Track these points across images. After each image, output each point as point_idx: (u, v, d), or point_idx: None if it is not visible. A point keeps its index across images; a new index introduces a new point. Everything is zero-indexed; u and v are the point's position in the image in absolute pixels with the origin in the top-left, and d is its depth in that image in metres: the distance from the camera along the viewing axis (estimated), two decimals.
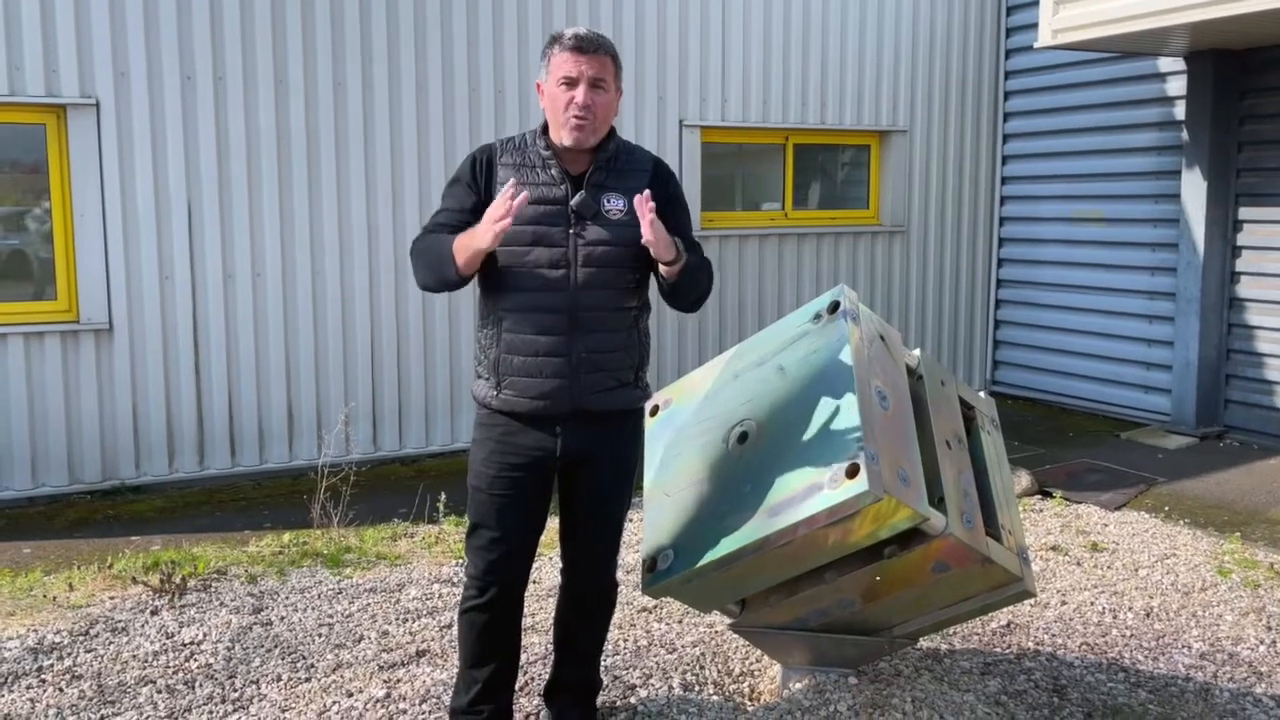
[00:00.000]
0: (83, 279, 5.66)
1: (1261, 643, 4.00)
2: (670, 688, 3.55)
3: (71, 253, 5.66)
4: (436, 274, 2.84)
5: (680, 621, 4.07)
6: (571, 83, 2.77)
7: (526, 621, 3.89)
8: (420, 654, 3.80)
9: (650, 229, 2.70)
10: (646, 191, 2.74)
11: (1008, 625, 4.09)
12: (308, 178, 6.11)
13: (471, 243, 2.73)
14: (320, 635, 3.96)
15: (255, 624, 4.05)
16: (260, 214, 6.01)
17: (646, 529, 2.93)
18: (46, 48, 5.46)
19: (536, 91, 2.92)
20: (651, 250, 2.74)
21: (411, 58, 6.31)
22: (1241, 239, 7.09)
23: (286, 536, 5.08)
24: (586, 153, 2.85)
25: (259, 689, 3.55)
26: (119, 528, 5.36)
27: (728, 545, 2.73)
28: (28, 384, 5.59)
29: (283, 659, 3.76)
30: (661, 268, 2.81)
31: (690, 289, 2.91)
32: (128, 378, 5.79)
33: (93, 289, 5.67)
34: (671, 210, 2.93)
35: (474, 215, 2.84)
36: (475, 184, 2.87)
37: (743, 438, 2.91)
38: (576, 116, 2.77)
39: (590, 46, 2.78)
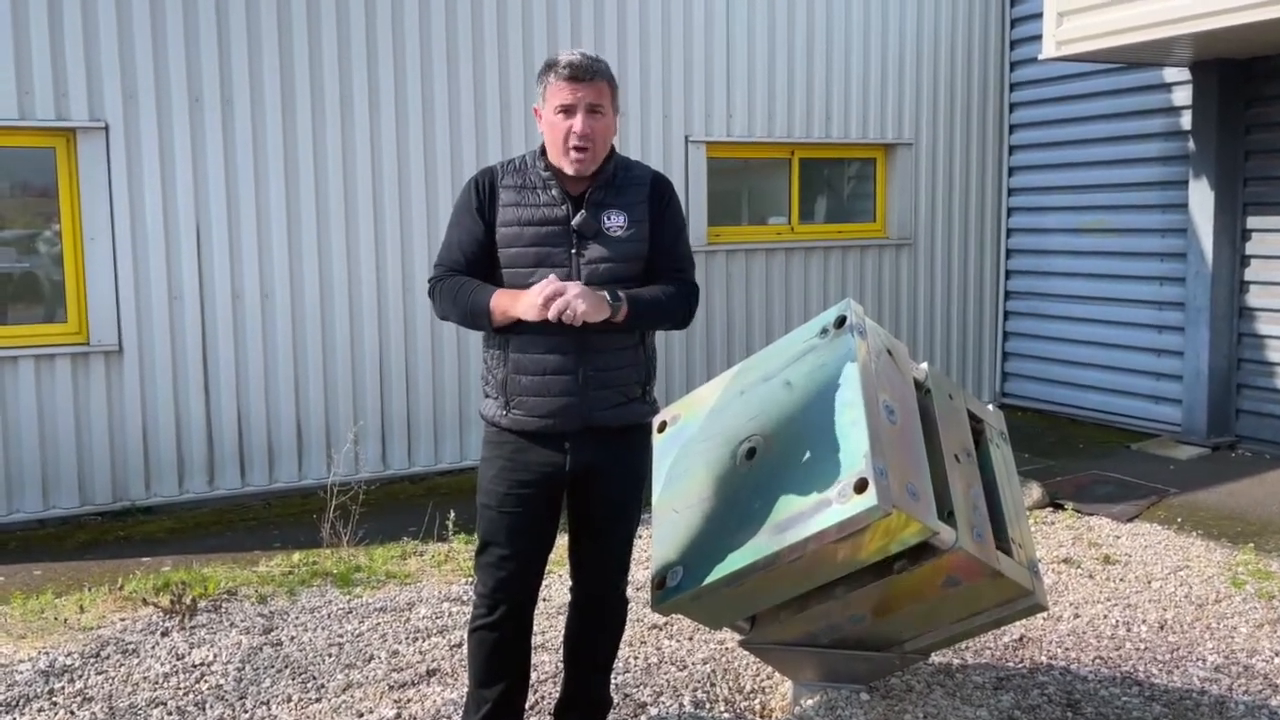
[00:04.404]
0: (92, 301, 5.69)
1: (1277, 654, 3.97)
2: (681, 705, 3.54)
3: (81, 275, 5.69)
4: (467, 320, 2.87)
5: (690, 638, 4.05)
6: (569, 110, 2.79)
7: (536, 639, 3.89)
8: (430, 673, 3.80)
9: (577, 309, 2.66)
10: (551, 278, 2.72)
11: (1020, 639, 4.07)
12: (315, 197, 6.13)
13: (513, 310, 2.76)
14: (330, 655, 3.96)
15: (265, 644, 4.05)
16: (268, 234, 6.04)
17: (655, 546, 2.93)
18: (56, 72, 5.51)
19: (535, 117, 2.93)
20: (589, 320, 2.69)
21: (418, 77, 6.34)
22: (1250, 248, 7.06)
23: (296, 556, 5.08)
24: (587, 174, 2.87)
25: (269, 710, 3.55)
26: (129, 549, 5.37)
27: (737, 561, 2.72)
28: (38, 406, 5.61)
29: (293, 679, 3.76)
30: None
31: (655, 324, 2.93)
32: (137, 399, 5.81)
33: (102, 311, 5.70)
34: (666, 226, 2.94)
35: (486, 245, 2.86)
36: (482, 210, 2.88)
37: (751, 453, 2.90)
38: (576, 147, 2.78)
39: (585, 74, 2.78)
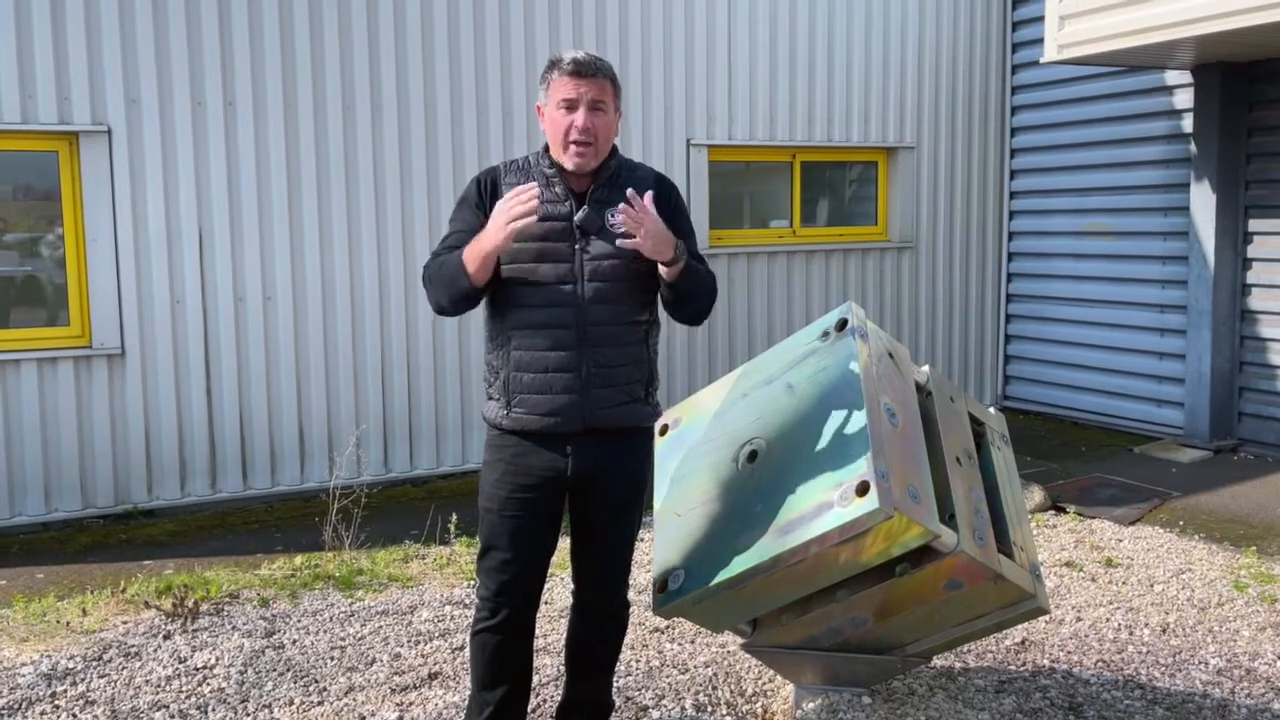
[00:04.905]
0: (95, 304, 5.70)
1: (1279, 658, 3.97)
2: (683, 708, 3.54)
3: (84, 278, 5.70)
4: (451, 289, 2.84)
5: (692, 641, 4.06)
6: (571, 105, 2.80)
7: (538, 642, 3.89)
8: (432, 676, 3.80)
9: (644, 232, 2.71)
10: (649, 195, 2.77)
11: (1022, 642, 4.07)
12: (317, 201, 6.14)
13: (481, 246, 2.74)
14: (332, 658, 3.96)
15: (268, 647, 4.05)
16: (270, 237, 6.05)
17: (657, 549, 2.93)
18: (59, 76, 5.52)
19: (537, 115, 2.94)
20: (645, 250, 2.74)
21: (420, 81, 6.35)
22: (1252, 251, 7.06)
23: (298, 559, 5.08)
24: (589, 171, 2.87)
25: (271, 713, 3.55)
26: (132, 552, 5.37)
27: (739, 565, 2.72)
28: (41, 409, 5.61)
29: (295, 682, 3.76)
30: (661, 269, 2.81)
31: (692, 296, 2.91)
32: (140, 402, 5.82)
33: (105, 314, 5.71)
34: (675, 225, 2.94)
35: None
36: (482, 206, 2.90)
37: (752, 456, 2.90)
38: (577, 141, 2.80)
39: (588, 70, 2.80)
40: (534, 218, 2.69)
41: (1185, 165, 7.29)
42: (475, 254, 2.75)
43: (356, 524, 5.23)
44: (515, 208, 2.68)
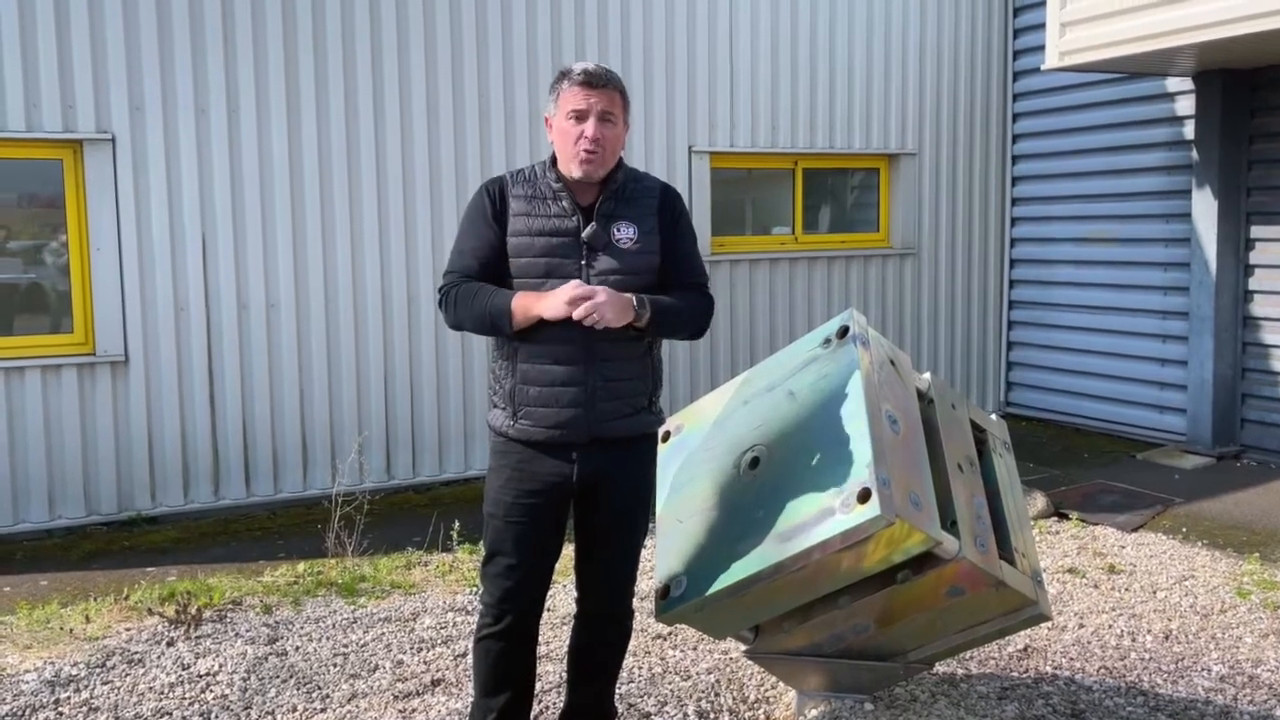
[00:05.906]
0: (99, 311, 5.71)
1: None
2: (685, 715, 3.54)
3: (87, 285, 5.72)
4: (481, 324, 2.86)
5: (695, 648, 4.06)
6: (581, 116, 2.81)
7: (541, 649, 3.89)
8: (435, 683, 3.80)
9: (600, 315, 2.68)
10: (575, 283, 2.74)
11: (1025, 649, 4.07)
12: (320, 208, 6.16)
13: (533, 310, 2.76)
14: (335, 665, 3.97)
15: (270, 654, 4.06)
16: (274, 245, 6.06)
17: (659, 556, 2.93)
18: (63, 84, 5.54)
19: (545, 125, 2.95)
20: (612, 326, 2.72)
21: (422, 88, 6.37)
22: (1254, 257, 7.07)
23: (301, 566, 5.09)
24: (596, 183, 2.89)
25: None
26: (135, 559, 5.38)
27: (741, 571, 2.72)
28: (44, 416, 5.63)
29: (298, 689, 3.77)
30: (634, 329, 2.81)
31: (674, 331, 2.95)
32: (143, 409, 5.83)
33: (108, 321, 5.72)
34: (678, 235, 2.96)
35: (501, 251, 2.87)
36: (497, 218, 2.90)
37: (754, 463, 2.91)
38: (586, 150, 2.80)
39: (599, 81, 2.81)
40: (576, 314, 2.68)
41: (1187, 172, 7.30)
42: (524, 310, 2.77)
43: (359, 531, 5.24)
44: (583, 305, 2.67)
